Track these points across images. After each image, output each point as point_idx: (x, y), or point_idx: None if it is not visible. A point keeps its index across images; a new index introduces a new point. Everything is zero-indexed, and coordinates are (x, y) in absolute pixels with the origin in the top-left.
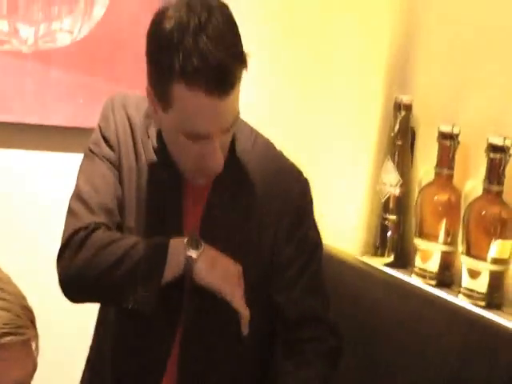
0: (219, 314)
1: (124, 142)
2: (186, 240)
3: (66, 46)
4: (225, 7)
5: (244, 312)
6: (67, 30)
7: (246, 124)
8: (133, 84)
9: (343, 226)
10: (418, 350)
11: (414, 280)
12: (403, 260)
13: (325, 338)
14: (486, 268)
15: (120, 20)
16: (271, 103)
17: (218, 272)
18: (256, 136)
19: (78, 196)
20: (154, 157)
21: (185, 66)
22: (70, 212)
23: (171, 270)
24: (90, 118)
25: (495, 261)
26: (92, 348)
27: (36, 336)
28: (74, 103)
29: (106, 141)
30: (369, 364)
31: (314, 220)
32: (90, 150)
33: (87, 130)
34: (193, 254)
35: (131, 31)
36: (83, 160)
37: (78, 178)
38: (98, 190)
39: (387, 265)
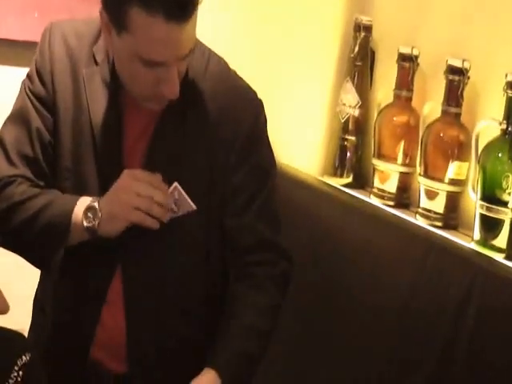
0: (158, 242)
1: (61, 78)
2: (83, 210)
3: None
4: None
5: (152, 225)
6: None
7: (199, 44)
8: None
9: (303, 147)
10: (375, 270)
11: (373, 200)
12: (362, 181)
13: (276, 262)
14: (443, 189)
15: None
16: (233, 25)
17: (121, 216)
18: (209, 56)
19: (0, 140)
20: (98, 89)
21: None
22: None
23: (75, 239)
24: None
25: (452, 182)
26: (38, 283)
27: None
28: (28, 17)
29: (40, 77)
30: (325, 284)
31: (267, 143)
32: (24, 86)
33: None
34: (92, 223)
35: None
36: (18, 96)
37: (7, 118)
38: (21, 137)
39: (346, 185)
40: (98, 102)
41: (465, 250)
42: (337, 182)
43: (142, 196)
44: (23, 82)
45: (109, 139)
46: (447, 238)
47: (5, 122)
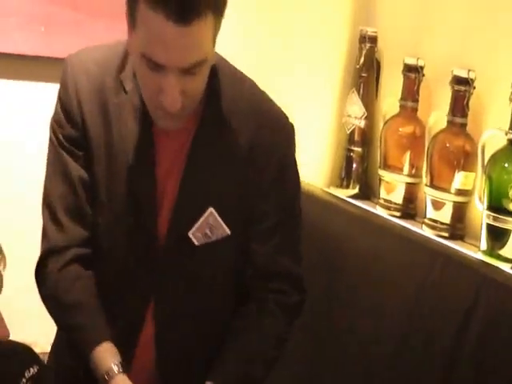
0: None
1: (89, 107)
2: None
3: None
4: None
5: None
6: None
7: (229, 65)
8: (95, 11)
9: (309, 158)
10: (382, 280)
11: (379, 211)
12: (368, 192)
13: (290, 293)
14: (449, 199)
15: None
16: (237, 36)
17: None
18: (241, 78)
19: (45, 199)
20: (129, 118)
21: None
22: (43, 220)
23: None
24: (51, 47)
25: (458, 192)
26: None
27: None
28: (35, 31)
29: (68, 116)
30: (332, 293)
31: (296, 169)
32: (54, 133)
33: (49, 59)
34: None
35: None
36: (49, 145)
37: (45, 171)
38: (65, 191)
39: (352, 196)
40: (129, 133)
41: (471, 260)
42: (343, 193)
43: None
44: (51, 127)
45: (143, 170)
46: (454, 249)
47: (46, 178)
